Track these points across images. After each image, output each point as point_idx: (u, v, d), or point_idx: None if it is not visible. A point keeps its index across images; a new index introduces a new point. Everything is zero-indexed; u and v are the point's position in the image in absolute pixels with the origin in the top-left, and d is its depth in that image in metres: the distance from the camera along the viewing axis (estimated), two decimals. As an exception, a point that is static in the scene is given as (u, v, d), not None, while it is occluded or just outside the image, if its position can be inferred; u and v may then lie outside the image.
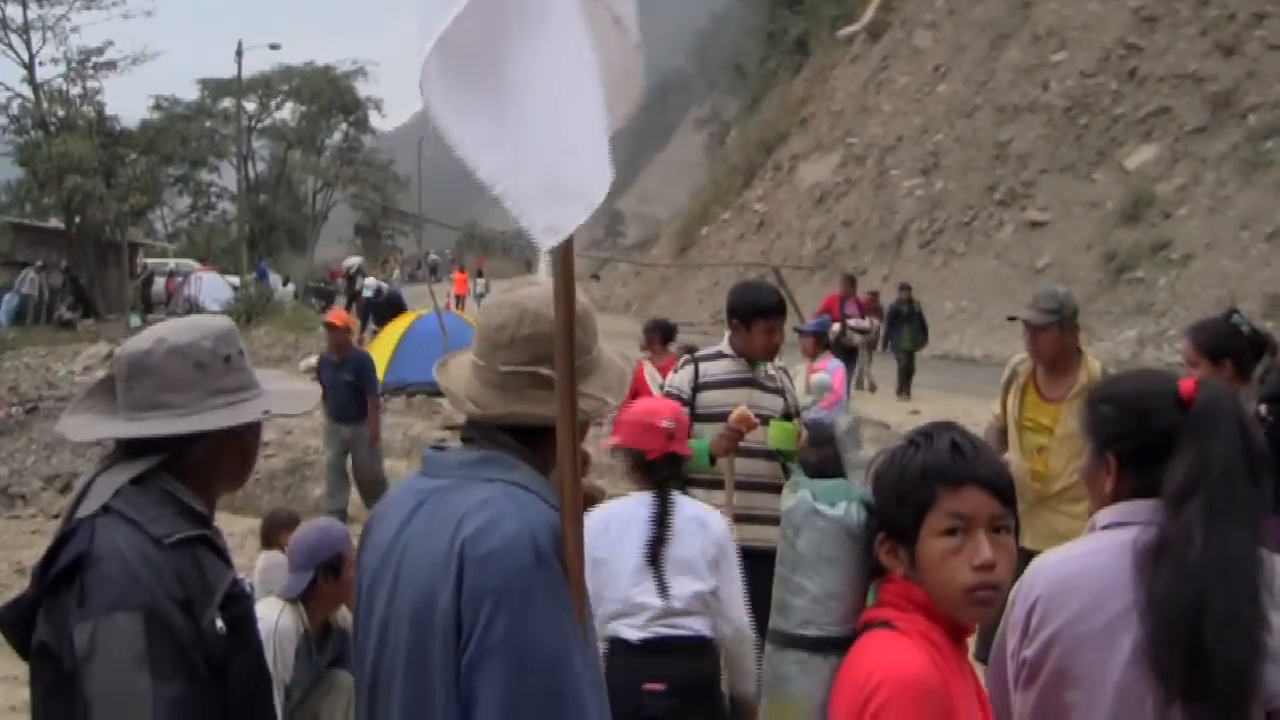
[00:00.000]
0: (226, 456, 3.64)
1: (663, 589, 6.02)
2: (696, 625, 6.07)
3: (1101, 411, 3.57)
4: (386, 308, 34.98)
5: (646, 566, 6.04)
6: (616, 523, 6.11)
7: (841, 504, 3.30)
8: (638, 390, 14.66)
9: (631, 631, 6.00)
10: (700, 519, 6.16)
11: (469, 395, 3.40)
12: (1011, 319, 8.78)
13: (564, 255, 3.14)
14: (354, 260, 55.83)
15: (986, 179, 48.56)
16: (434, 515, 3.26)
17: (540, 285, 3.40)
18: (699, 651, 6.08)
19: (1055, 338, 8.39)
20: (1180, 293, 36.18)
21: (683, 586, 6.03)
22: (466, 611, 3.09)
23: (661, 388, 9.40)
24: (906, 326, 29.64)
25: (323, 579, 6.55)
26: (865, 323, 25.57)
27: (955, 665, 3.22)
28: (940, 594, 3.19)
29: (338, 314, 18.98)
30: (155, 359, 3.56)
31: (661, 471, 6.26)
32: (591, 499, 15.21)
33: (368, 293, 39.61)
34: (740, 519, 7.10)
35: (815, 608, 3.26)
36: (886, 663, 3.11)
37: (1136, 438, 3.45)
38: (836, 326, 22.66)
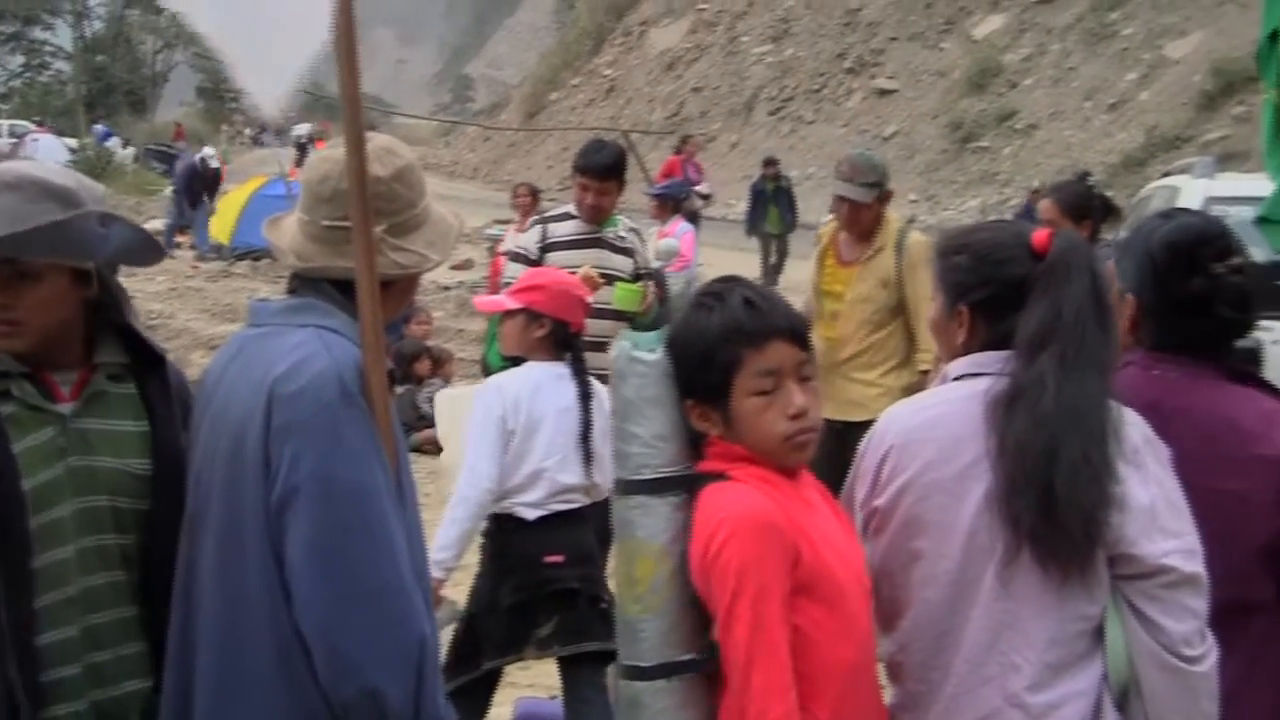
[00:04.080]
0: None
1: (588, 472, 6.11)
2: (584, 497, 6.17)
3: (955, 262, 3.55)
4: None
5: (578, 447, 6.10)
6: (529, 393, 6.09)
7: (659, 348, 3.32)
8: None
9: (528, 510, 6.05)
10: (602, 395, 6.13)
11: (292, 249, 3.43)
12: (842, 200, 8.44)
13: (352, 114, 3.19)
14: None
15: (836, 46, 48.65)
16: (250, 359, 3.31)
17: (369, 140, 3.37)
18: (586, 519, 6.20)
19: (876, 211, 8.19)
20: (1024, 162, 36.58)
21: (602, 465, 6.07)
22: (274, 448, 3.15)
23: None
24: (773, 206, 26.51)
25: None
26: (704, 187, 25.27)
27: (799, 502, 3.29)
28: (760, 446, 3.27)
29: None
30: None
31: (579, 346, 6.23)
32: (439, 361, 15.27)
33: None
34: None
35: (648, 451, 3.28)
36: (724, 506, 3.18)
37: (990, 287, 3.45)
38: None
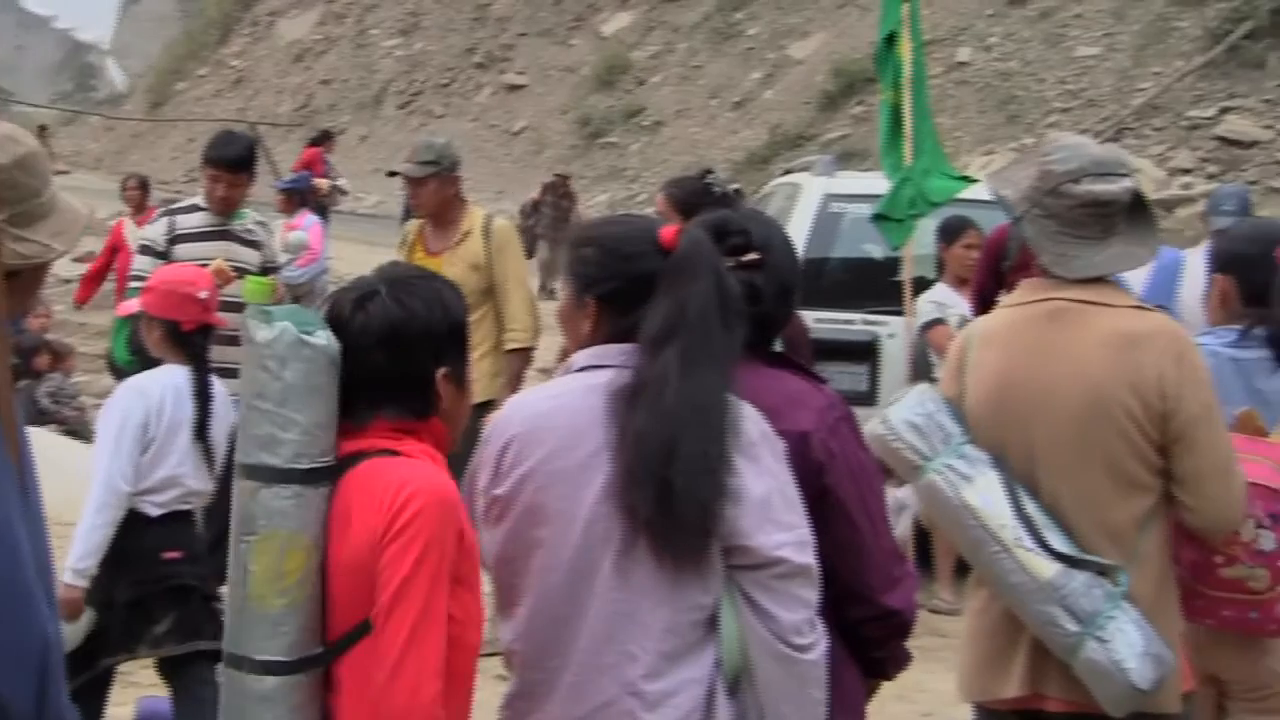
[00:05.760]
0: None
1: (211, 471, 6.07)
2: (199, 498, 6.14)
3: (584, 254, 3.59)
4: None
5: (194, 446, 6.02)
6: (171, 397, 6.00)
7: (321, 333, 3.28)
8: (118, 246, 14.30)
9: (152, 508, 5.96)
10: (226, 395, 6.12)
11: None
12: (391, 174, 8.64)
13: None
14: None
15: (466, 41, 48.67)
16: None
17: None
18: (196, 517, 6.19)
19: (435, 189, 8.32)
20: (651, 158, 37.12)
21: (215, 465, 6.07)
22: None
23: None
24: None
25: None
26: (344, 182, 25.04)
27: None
28: (454, 426, 3.46)
29: None
30: None
31: (197, 344, 6.12)
32: (59, 355, 14.84)
33: None
34: (219, 372, 7.00)
35: (306, 439, 3.23)
36: (414, 478, 3.21)
37: (617, 281, 3.50)
38: (325, 184, 22.16)
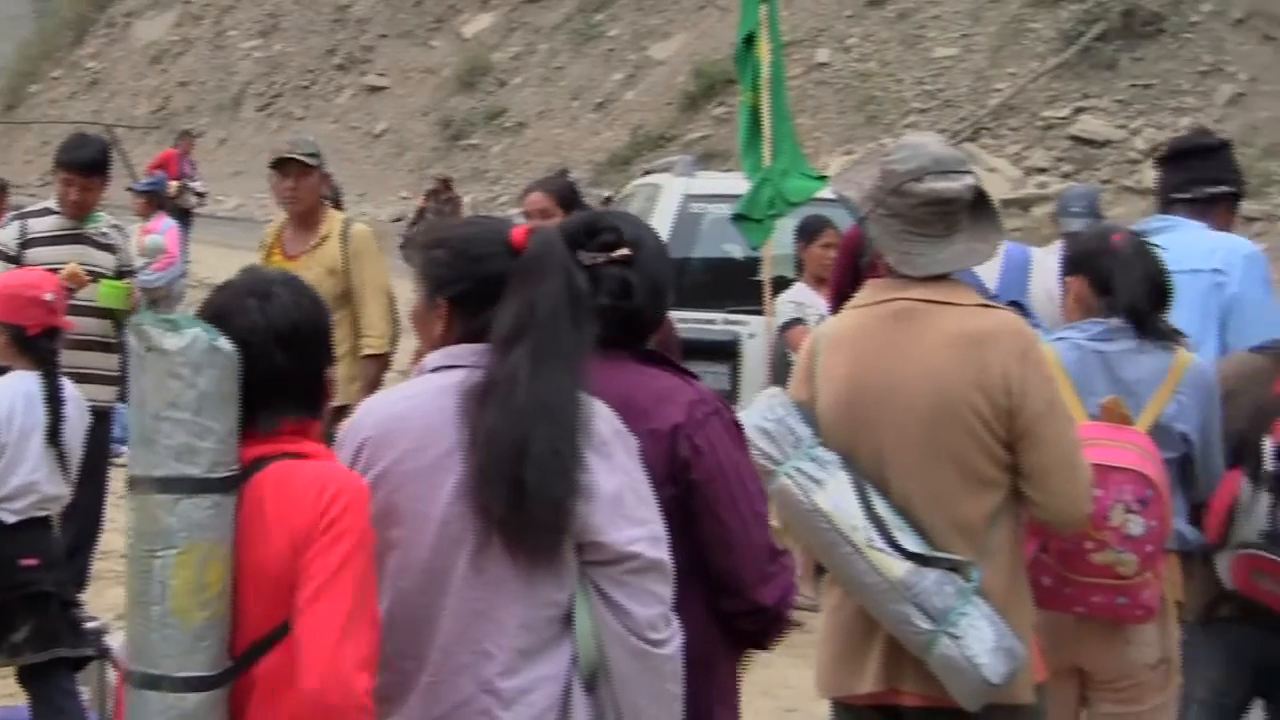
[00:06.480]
0: None
1: (66, 475, 6.03)
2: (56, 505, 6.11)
3: (434, 256, 3.60)
4: None
5: (47, 452, 5.95)
6: (22, 405, 5.93)
7: (222, 338, 3.24)
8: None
9: (8, 515, 5.89)
10: (79, 399, 6.13)
11: None
12: (276, 163, 8.44)
13: None
14: None
15: (326, 42, 48.40)
16: None
17: None
18: (53, 524, 6.18)
19: (317, 183, 8.27)
20: (513, 160, 37.13)
21: (70, 471, 6.06)
22: None
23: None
24: None
25: None
26: (200, 185, 24.79)
27: None
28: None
29: None
30: None
31: (44, 347, 6.02)
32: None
33: None
34: (73, 378, 6.93)
35: (221, 447, 3.19)
36: (336, 476, 3.25)
37: (467, 282, 3.51)
38: (175, 185, 21.94)
